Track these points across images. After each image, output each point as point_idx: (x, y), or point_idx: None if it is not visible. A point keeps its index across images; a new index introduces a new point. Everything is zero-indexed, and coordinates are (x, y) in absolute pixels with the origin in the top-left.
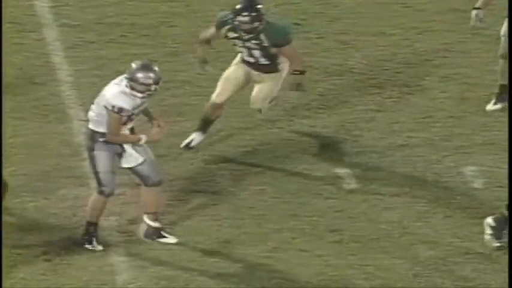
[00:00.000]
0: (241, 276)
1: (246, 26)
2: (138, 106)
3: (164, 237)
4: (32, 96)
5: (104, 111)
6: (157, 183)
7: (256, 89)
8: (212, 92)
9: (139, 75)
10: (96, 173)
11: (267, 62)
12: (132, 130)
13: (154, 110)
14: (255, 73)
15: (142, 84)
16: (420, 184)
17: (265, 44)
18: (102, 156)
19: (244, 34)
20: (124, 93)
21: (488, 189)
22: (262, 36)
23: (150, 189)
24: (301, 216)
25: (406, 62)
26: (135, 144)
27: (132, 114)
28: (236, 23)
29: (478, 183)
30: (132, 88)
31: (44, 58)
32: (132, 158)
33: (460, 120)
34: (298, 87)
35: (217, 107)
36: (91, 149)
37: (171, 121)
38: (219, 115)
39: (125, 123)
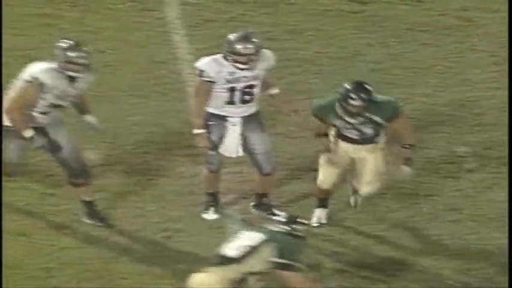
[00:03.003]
0: (356, 255)
1: (356, 109)
2: (231, 78)
3: (277, 215)
4: (152, 74)
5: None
6: (268, 174)
7: (364, 173)
8: (333, 72)
9: (239, 46)
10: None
11: (372, 133)
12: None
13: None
14: (355, 147)
15: (244, 55)
16: None
17: (379, 122)
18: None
19: (350, 119)
20: (214, 60)
21: None
22: (372, 117)
23: (262, 176)
24: (420, 195)
25: None
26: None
27: (232, 89)
28: (345, 105)
29: None
30: (235, 61)
31: (165, 36)
32: (229, 148)
33: None
34: (408, 162)
35: (326, 191)
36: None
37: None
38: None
39: (230, 102)
